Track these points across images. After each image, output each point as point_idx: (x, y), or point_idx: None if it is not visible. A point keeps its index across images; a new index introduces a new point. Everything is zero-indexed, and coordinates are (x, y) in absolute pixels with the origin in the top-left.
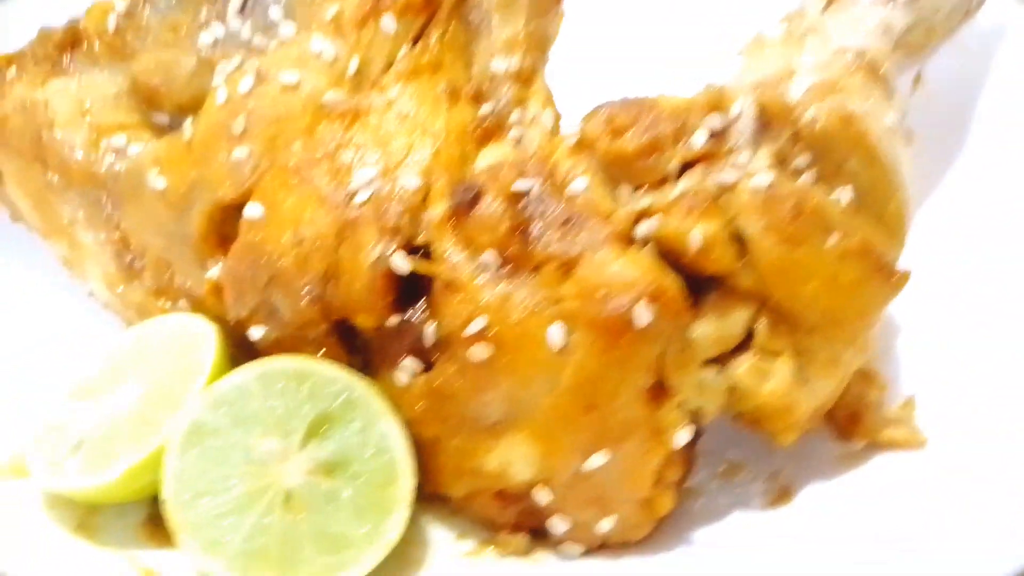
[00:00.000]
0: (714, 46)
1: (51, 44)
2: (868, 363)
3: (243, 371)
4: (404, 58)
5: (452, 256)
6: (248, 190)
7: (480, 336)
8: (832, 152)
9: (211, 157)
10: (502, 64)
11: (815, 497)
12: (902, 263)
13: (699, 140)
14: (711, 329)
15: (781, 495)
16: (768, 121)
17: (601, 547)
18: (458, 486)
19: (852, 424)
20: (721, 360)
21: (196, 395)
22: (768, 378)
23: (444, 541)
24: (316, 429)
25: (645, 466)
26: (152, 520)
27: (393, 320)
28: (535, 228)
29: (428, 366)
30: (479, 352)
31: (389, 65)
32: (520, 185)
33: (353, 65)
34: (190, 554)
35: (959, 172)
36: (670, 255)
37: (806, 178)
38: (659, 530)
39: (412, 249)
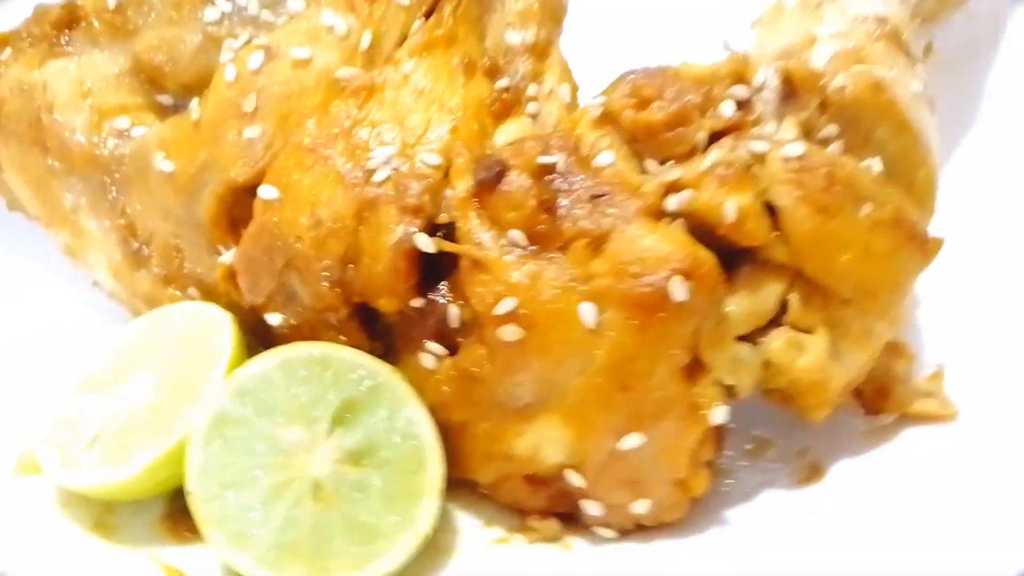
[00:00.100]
0: (725, 16)
1: (48, 23)
2: (894, 334)
3: (264, 359)
4: (418, 32)
5: (478, 234)
6: (261, 171)
7: (510, 317)
8: (861, 121)
9: (221, 137)
10: (517, 36)
11: (846, 474)
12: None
13: (727, 110)
14: (744, 304)
15: (812, 473)
16: (793, 90)
17: (633, 530)
18: (487, 471)
19: (880, 398)
20: (753, 336)
21: (217, 385)
22: (803, 353)
23: (472, 528)
24: (341, 417)
25: (681, 445)
26: (171, 515)
27: (416, 303)
28: (562, 204)
29: (453, 349)
30: (509, 333)
31: (403, 39)
32: (545, 160)
33: (366, 39)
34: (217, 548)
35: (973, 141)
36: (702, 228)
37: (834, 148)
38: (690, 511)
39: (434, 228)
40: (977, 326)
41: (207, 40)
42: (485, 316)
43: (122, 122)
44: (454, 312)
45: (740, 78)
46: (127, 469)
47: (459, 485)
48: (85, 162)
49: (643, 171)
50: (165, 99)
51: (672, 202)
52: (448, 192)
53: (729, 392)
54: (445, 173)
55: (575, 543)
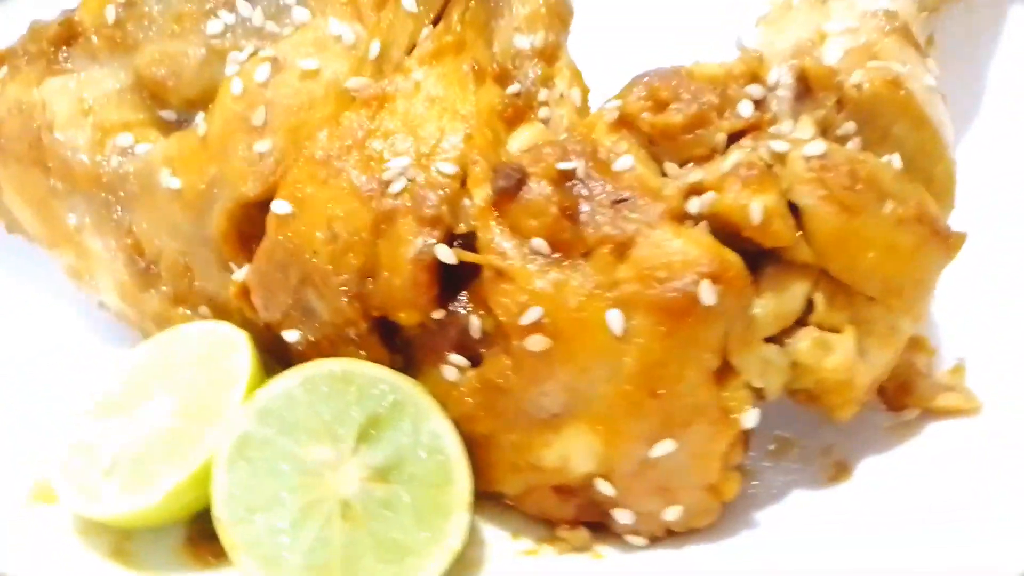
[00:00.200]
0: (727, 14)
1: (45, 39)
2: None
3: (286, 378)
4: (427, 39)
5: (501, 244)
6: (273, 185)
7: (536, 326)
8: (879, 117)
9: (230, 152)
10: (525, 41)
11: (874, 471)
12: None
13: (745, 110)
14: (771, 305)
15: (839, 471)
16: (808, 88)
17: (664, 537)
18: (514, 483)
19: (903, 393)
20: (780, 337)
21: (239, 406)
22: (830, 352)
23: (499, 540)
24: (366, 433)
25: (713, 450)
26: (193, 540)
27: (436, 314)
28: (584, 210)
29: (475, 360)
30: (535, 343)
31: (411, 47)
32: (564, 166)
33: (374, 48)
34: (247, 573)
35: (975, 133)
36: (726, 230)
37: (852, 145)
38: (720, 516)
39: (452, 239)
40: (989, 319)
41: (210, 53)
42: (510, 326)
43: (125, 139)
44: (475, 323)
45: (754, 77)
46: (149, 496)
47: (484, 497)
48: (88, 181)
49: (662, 174)
50: (168, 114)
51: (694, 205)
52: (466, 202)
53: (758, 394)
54: (461, 182)
55: (606, 552)
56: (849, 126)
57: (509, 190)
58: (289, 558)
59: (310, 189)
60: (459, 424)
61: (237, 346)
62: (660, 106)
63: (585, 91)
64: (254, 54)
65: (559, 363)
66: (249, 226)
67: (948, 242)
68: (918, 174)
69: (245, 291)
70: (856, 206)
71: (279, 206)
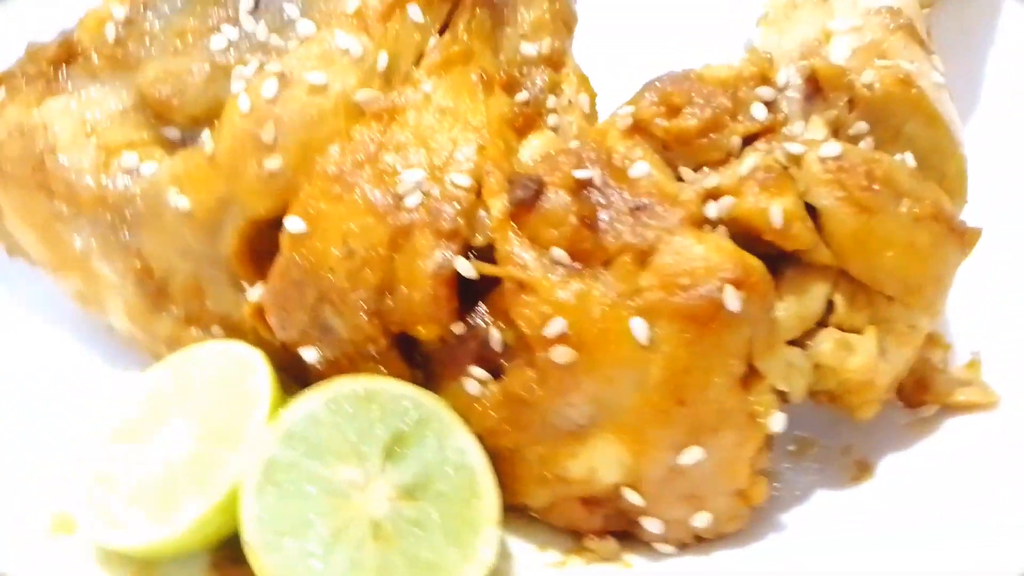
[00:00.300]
0: (728, 15)
1: (43, 60)
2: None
3: (308, 399)
4: (434, 49)
5: (520, 255)
6: (285, 202)
7: (560, 338)
8: (891, 116)
9: (240, 170)
10: (531, 48)
11: (896, 470)
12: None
13: (758, 113)
14: (793, 308)
15: (861, 470)
16: (818, 88)
17: (692, 543)
18: (540, 495)
19: (921, 390)
20: (802, 339)
21: (263, 430)
22: (852, 353)
23: (526, 552)
24: (391, 451)
25: (742, 455)
26: (217, 565)
27: (456, 328)
28: (603, 218)
29: (496, 373)
30: (559, 354)
31: (419, 58)
32: (580, 174)
33: (382, 60)
34: None
35: (973, 128)
36: (745, 234)
37: (864, 144)
38: (747, 520)
39: (469, 251)
40: (997, 312)
41: (215, 69)
42: (534, 338)
43: (130, 159)
44: (495, 335)
45: (764, 78)
46: (175, 524)
47: (509, 510)
48: (94, 204)
49: (678, 179)
50: (171, 132)
51: (712, 209)
52: (482, 213)
53: (782, 398)
54: (477, 193)
55: (634, 561)
56: (861, 126)
57: (527, 201)
58: None
59: (324, 205)
60: (483, 438)
61: (254, 366)
62: (673, 111)
63: (592, 96)
64: (260, 69)
65: (584, 374)
66: (261, 244)
67: (964, 238)
68: (931, 172)
69: (260, 311)
70: (874, 206)
71: (293, 223)
